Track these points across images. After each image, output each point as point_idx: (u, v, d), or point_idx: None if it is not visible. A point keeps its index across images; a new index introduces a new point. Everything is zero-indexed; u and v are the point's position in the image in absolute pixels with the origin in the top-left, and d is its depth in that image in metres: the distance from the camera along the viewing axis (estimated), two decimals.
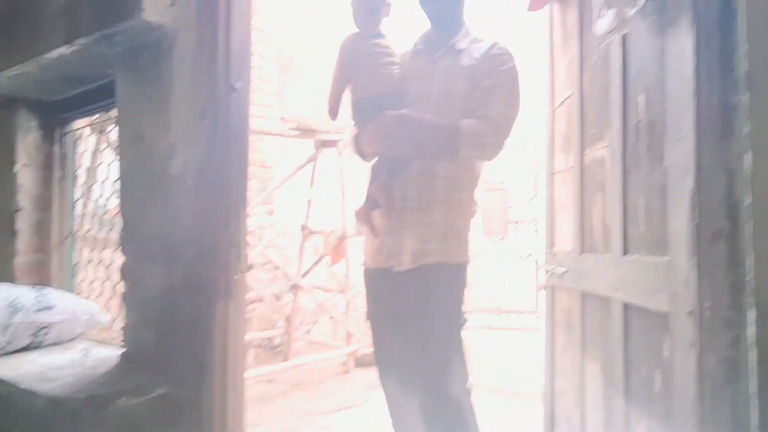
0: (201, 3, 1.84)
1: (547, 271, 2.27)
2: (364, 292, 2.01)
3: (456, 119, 1.74)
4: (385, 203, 1.83)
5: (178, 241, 1.88)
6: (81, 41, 1.98)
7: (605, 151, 1.71)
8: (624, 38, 1.53)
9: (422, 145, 1.76)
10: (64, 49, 2.05)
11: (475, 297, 7.22)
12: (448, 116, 1.76)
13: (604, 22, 1.47)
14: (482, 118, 1.72)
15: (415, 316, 1.80)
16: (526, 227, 8.06)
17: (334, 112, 1.94)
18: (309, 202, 5.42)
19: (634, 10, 1.40)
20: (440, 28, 1.89)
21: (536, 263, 7.82)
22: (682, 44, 1.17)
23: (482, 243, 7.93)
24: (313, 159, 5.39)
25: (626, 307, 1.59)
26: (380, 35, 1.85)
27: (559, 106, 2.22)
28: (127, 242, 2.00)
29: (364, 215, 1.88)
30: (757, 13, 0.91)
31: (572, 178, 2.02)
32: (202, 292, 1.82)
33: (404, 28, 2.16)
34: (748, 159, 0.89)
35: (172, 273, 1.89)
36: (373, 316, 1.98)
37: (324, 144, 5.30)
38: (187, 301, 1.85)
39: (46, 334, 2.24)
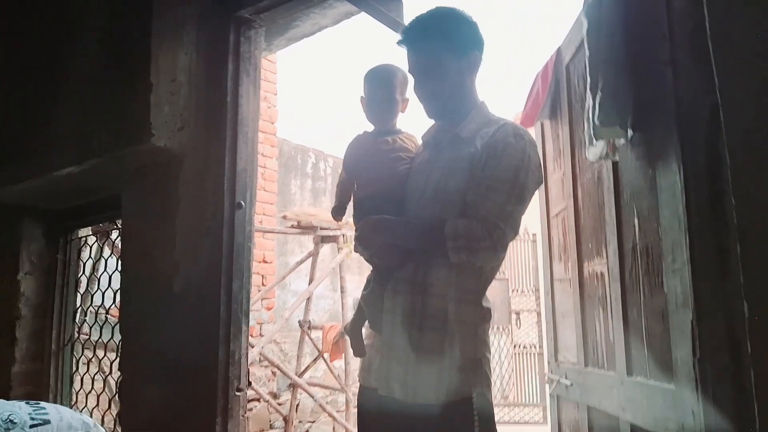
0: (209, 128, 1.92)
1: (552, 381, 2.24)
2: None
3: (448, 220, 1.49)
4: (370, 316, 1.61)
5: (178, 359, 1.86)
6: (91, 162, 2.06)
7: (603, 267, 1.74)
8: (615, 165, 1.59)
9: (407, 251, 1.54)
10: (74, 168, 2.12)
11: None
12: (446, 215, 1.50)
13: (595, 150, 1.53)
14: (474, 217, 1.45)
15: None
16: (528, 317, 8.00)
17: (338, 212, 1.80)
18: (308, 297, 5.40)
19: (622, 141, 1.47)
20: (440, 118, 1.66)
21: (540, 355, 7.73)
22: (673, 180, 1.22)
23: None
24: (312, 254, 5.43)
25: (634, 428, 1.56)
26: (393, 132, 1.71)
27: (554, 217, 2.27)
28: (125, 360, 1.98)
29: (350, 328, 1.68)
30: (744, 166, 0.95)
31: (572, 289, 2.04)
32: (201, 410, 1.79)
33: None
34: (744, 308, 0.91)
35: (171, 391, 1.86)
36: None
37: (323, 240, 5.36)
38: (186, 420, 1.81)
39: None
